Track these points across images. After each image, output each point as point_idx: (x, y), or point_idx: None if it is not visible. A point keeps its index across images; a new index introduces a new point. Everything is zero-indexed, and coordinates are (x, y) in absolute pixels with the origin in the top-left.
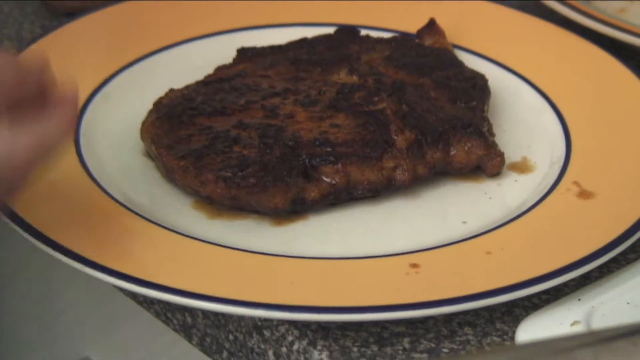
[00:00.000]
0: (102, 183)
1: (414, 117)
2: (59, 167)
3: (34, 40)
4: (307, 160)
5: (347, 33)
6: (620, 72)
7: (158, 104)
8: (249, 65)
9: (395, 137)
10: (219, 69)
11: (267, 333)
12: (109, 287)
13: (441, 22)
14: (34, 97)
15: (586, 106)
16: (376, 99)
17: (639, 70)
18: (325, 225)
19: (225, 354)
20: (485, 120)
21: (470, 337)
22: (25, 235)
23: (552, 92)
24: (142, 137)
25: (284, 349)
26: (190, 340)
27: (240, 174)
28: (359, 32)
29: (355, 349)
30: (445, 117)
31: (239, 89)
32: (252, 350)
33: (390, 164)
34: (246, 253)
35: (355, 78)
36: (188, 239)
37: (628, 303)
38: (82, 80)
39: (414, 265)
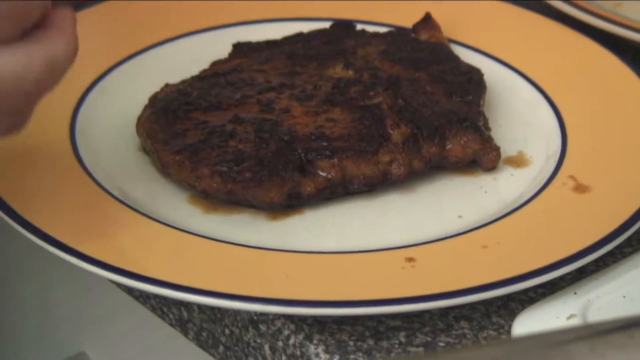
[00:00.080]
0: (97, 178)
1: (410, 111)
2: (54, 162)
3: None
4: (302, 155)
5: (343, 28)
6: (616, 66)
7: (154, 98)
8: (245, 60)
9: (391, 132)
10: (215, 63)
11: (263, 327)
12: (105, 282)
13: (437, 16)
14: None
15: (582, 100)
16: (372, 93)
17: (634, 64)
18: (321, 220)
19: (221, 348)
20: (481, 114)
21: (466, 331)
22: (21, 230)
23: (548, 86)
24: (138, 132)
25: (280, 343)
26: (186, 334)
27: (236, 168)
28: (354, 26)
29: (351, 343)
30: (441, 111)
31: (234, 84)
32: (248, 344)
33: (386, 158)
34: (242, 247)
35: (351, 72)
36: (184, 233)
37: (624, 296)
38: (78, 75)
39: (410, 259)
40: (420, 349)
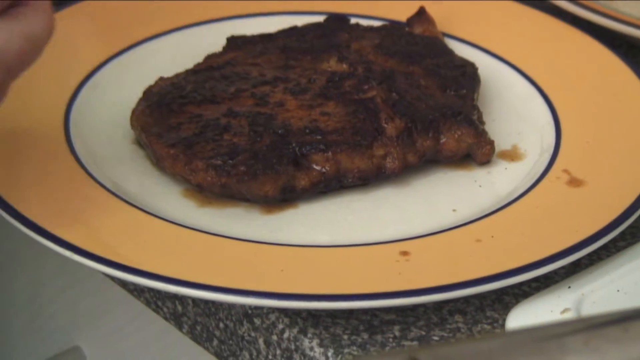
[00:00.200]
0: (92, 171)
1: (404, 105)
2: (49, 155)
3: None
4: (297, 149)
5: (337, 21)
6: (610, 60)
7: (148, 92)
8: (239, 53)
9: (385, 125)
10: (209, 57)
11: (257, 321)
12: (99, 276)
13: (431, 10)
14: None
15: (576, 94)
16: (366, 87)
17: (628, 58)
18: (315, 214)
19: (215, 342)
20: (475, 108)
21: (460, 325)
22: (15, 223)
23: (542, 80)
24: (132, 126)
25: (274, 337)
26: (180, 328)
27: (230, 162)
28: (348, 20)
29: (345, 336)
30: (435, 105)
31: (228, 78)
32: (243, 338)
33: (381, 152)
34: (236, 241)
35: (345, 66)
36: (178, 226)
37: (618, 290)
38: (72, 69)
39: (404, 253)
40: (415, 342)
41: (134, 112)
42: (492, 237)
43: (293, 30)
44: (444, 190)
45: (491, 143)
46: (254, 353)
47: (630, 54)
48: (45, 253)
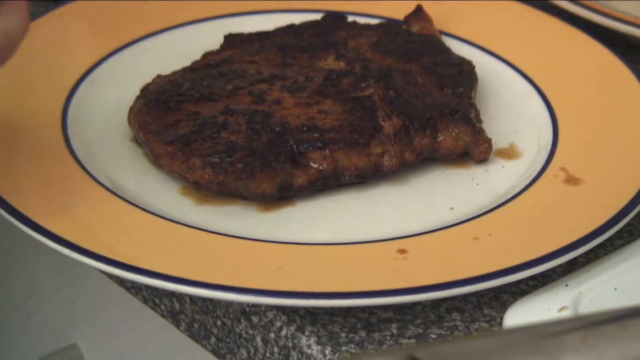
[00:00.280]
0: (89, 169)
1: (401, 103)
2: (46, 153)
3: None
4: (294, 146)
5: (335, 19)
6: (607, 59)
7: (145, 90)
8: (236, 51)
9: (382, 123)
10: (206, 55)
11: (255, 319)
12: (97, 273)
13: (428, 8)
14: None
15: (573, 93)
16: (363, 85)
17: (626, 57)
18: (312, 211)
19: (213, 339)
20: (473, 106)
21: (458, 323)
22: (12, 220)
23: (539, 78)
24: (130, 123)
25: (272, 335)
26: (178, 326)
27: (227, 159)
28: (346, 18)
29: (343, 334)
30: (432, 103)
31: (226, 75)
32: (240, 335)
33: (378, 150)
34: (234, 239)
35: (342, 64)
36: (175, 224)
37: (615, 289)
38: (69, 66)
39: (402, 251)
40: (412, 340)
41: (131, 109)
42: (490, 235)
43: (290, 28)
44: (441, 188)
45: (488, 141)
46: (252, 351)
47: (628, 53)
48: (43, 250)
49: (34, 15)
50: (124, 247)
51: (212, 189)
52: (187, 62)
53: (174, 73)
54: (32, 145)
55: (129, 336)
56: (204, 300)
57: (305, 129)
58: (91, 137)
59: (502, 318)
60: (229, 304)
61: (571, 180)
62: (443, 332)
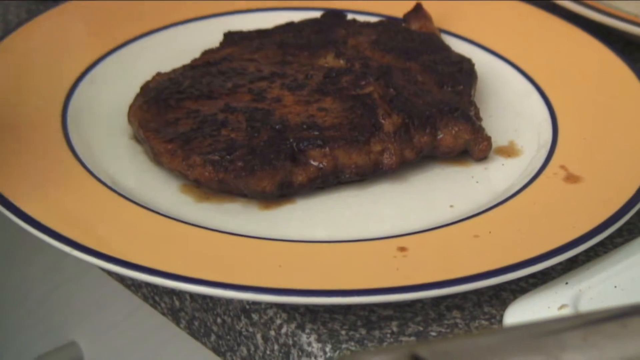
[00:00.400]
0: (89, 166)
1: (401, 101)
2: (46, 151)
3: (20, 23)
4: (294, 144)
5: (334, 17)
6: (607, 57)
7: (145, 87)
8: (236, 49)
9: (382, 121)
10: (206, 52)
11: (255, 316)
12: (96, 270)
13: (427, 6)
14: None
15: (573, 90)
16: (363, 83)
17: (625, 54)
18: (312, 209)
19: (213, 337)
20: (472, 104)
21: (458, 321)
22: (13, 218)
23: (538, 76)
24: (130, 121)
25: (272, 332)
26: (178, 323)
27: (227, 157)
28: (345, 16)
29: (343, 332)
30: (432, 101)
31: (226, 73)
32: (240, 333)
33: (378, 148)
34: (234, 236)
35: (342, 62)
36: (176, 222)
37: (615, 286)
38: (69, 64)
39: (402, 249)
40: (412, 338)
41: (131, 107)
42: (490, 233)
43: (290, 26)
44: (441, 186)
45: (488, 139)
46: (252, 348)
47: (627, 51)
48: (42, 248)
49: (33, 14)
50: (124, 245)
51: (212, 186)
52: (186, 60)
53: (174, 71)
54: (32, 143)
55: (128, 334)
56: (204, 297)
57: (305, 126)
58: (91, 134)
59: (502, 316)
60: (229, 301)
61: (571, 178)
62: (443, 330)
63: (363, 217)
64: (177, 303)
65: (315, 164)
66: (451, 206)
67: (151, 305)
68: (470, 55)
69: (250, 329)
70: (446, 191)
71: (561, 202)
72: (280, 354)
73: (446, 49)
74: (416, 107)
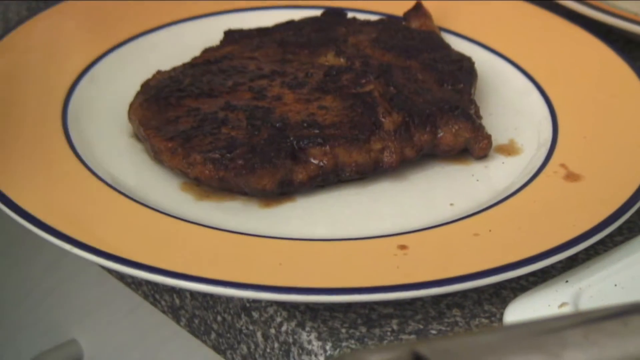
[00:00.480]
0: (89, 164)
1: (401, 99)
2: (47, 149)
3: (20, 21)
4: (294, 142)
5: (334, 15)
6: (607, 55)
7: (145, 85)
8: (236, 47)
9: (382, 119)
10: (206, 51)
11: (255, 314)
12: (97, 268)
13: (427, 5)
14: None
15: (573, 89)
16: (363, 81)
17: (624, 53)
18: (313, 207)
19: (213, 335)
20: (473, 102)
21: (458, 319)
22: (13, 215)
23: (538, 75)
24: (130, 119)
25: (272, 330)
26: (178, 321)
27: (228, 155)
28: (345, 14)
29: (343, 330)
30: (432, 99)
31: (226, 71)
32: (241, 331)
33: (378, 146)
34: (234, 234)
35: (342, 60)
36: (176, 220)
37: (615, 285)
38: (69, 62)
39: (402, 247)
40: (413, 336)
41: (131, 105)
42: (490, 231)
43: (290, 24)
44: (441, 184)
45: (488, 137)
46: (252, 346)
47: (627, 49)
48: (43, 246)
49: (34, 12)
50: (124, 243)
51: (212, 184)
52: (187, 58)
53: (174, 69)
54: (32, 140)
55: (128, 332)
56: (205, 295)
57: (305, 125)
58: (91, 133)
59: (502, 314)
60: (229, 299)
61: (571, 176)
62: (443, 328)
63: (363, 215)
64: (177, 301)
65: (316, 162)
66: (451, 204)
67: (151, 303)
68: (470, 54)
69: (251, 327)
70: (446, 189)
71: (561, 201)
72: (281, 352)
73: (446, 47)
74: (416, 105)
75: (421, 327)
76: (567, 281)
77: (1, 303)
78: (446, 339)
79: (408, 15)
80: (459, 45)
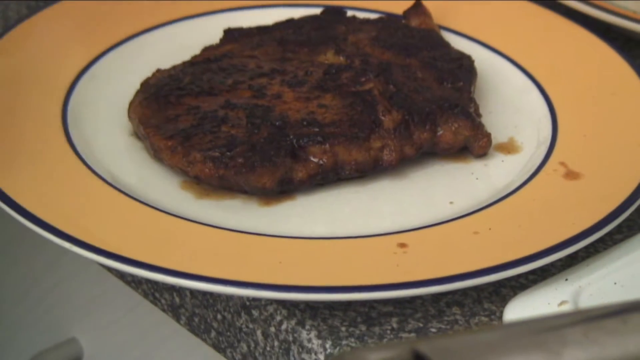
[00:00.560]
0: (89, 163)
1: (401, 97)
2: (47, 148)
3: (20, 20)
4: (294, 141)
5: (334, 14)
6: (607, 54)
7: (145, 84)
8: (236, 45)
9: (382, 118)
10: (206, 49)
11: (255, 313)
12: (96, 267)
13: (427, 3)
14: None
15: (572, 87)
16: (363, 79)
17: (624, 51)
18: (312, 206)
19: (213, 333)
20: (472, 101)
21: (458, 317)
22: (13, 214)
23: (538, 73)
24: (130, 118)
25: (272, 329)
26: (178, 320)
27: (228, 153)
28: (345, 13)
29: (343, 328)
30: (432, 97)
31: (226, 70)
32: (241, 329)
33: (378, 144)
34: (234, 233)
35: (342, 59)
36: (176, 218)
37: (615, 283)
38: (69, 61)
39: (402, 245)
40: (412, 334)
41: (131, 104)
42: (490, 229)
43: (290, 22)
44: (441, 183)
45: (488, 135)
46: (252, 345)
47: (627, 47)
48: (42, 244)
49: (33, 11)
50: (124, 241)
51: (212, 183)
52: (186, 57)
53: (174, 67)
54: (32, 139)
55: (128, 330)
56: (204, 294)
57: (305, 123)
58: (91, 131)
59: (502, 312)
60: (229, 297)
61: (570, 174)
62: (443, 327)
63: (363, 214)
64: (177, 299)
65: (315, 160)
66: (451, 202)
67: (151, 301)
68: (470, 52)
69: (251, 326)
70: (446, 187)
71: (561, 199)
72: (281, 351)
73: (446, 45)
74: (416, 103)
75: (421, 325)
76: (566, 279)
77: (1, 302)
78: (446, 337)
79: (408, 13)
80: (458, 43)
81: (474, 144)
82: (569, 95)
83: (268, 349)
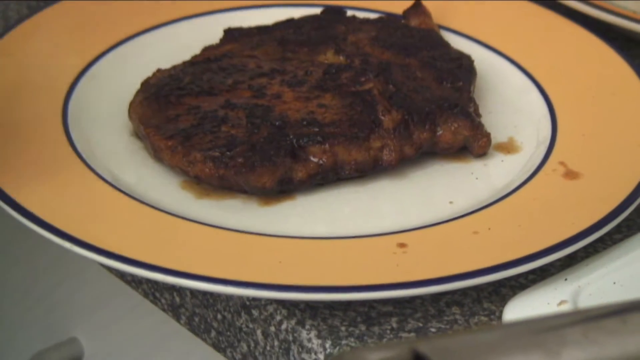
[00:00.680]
0: (90, 163)
1: (401, 97)
2: (47, 148)
3: (20, 20)
4: (294, 140)
5: (334, 13)
6: (606, 54)
7: (145, 84)
8: (236, 45)
9: (382, 117)
10: (206, 49)
11: (255, 312)
12: (97, 267)
13: (427, 3)
14: None
15: (572, 87)
16: (363, 79)
17: (623, 51)
18: (312, 206)
19: (213, 333)
20: (472, 100)
21: (457, 317)
22: (13, 213)
23: (538, 73)
24: (130, 117)
25: (272, 328)
26: (178, 319)
27: (228, 153)
28: (345, 12)
29: (343, 328)
30: (431, 97)
31: (226, 69)
32: (241, 329)
33: (377, 144)
34: (234, 232)
35: (341, 58)
36: (176, 218)
37: (614, 283)
38: (69, 61)
39: (401, 245)
40: (412, 334)
41: (131, 104)
42: (489, 229)
43: (290, 22)
44: (440, 182)
45: (487, 135)
46: (252, 344)
47: (626, 48)
48: (43, 244)
49: (34, 11)
50: (124, 241)
51: (212, 183)
52: (187, 56)
53: (174, 67)
54: (32, 139)
55: (129, 330)
56: (205, 293)
57: (305, 123)
58: (92, 131)
59: (501, 312)
60: (229, 297)
61: (570, 174)
62: (443, 326)
63: (363, 214)
64: (177, 299)
65: (315, 160)
66: (451, 202)
67: (151, 301)
68: (470, 52)
69: (251, 325)
70: (446, 187)
71: (560, 199)
72: (281, 350)
73: (445, 45)
74: (415, 103)
75: (420, 325)
76: (566, 279)
77: (2, 301)
78: (445, 336)
79: (407, 13)
80: (458, 43)
81: (474, 143)
82: (568, 95)
83: (268, 348)
